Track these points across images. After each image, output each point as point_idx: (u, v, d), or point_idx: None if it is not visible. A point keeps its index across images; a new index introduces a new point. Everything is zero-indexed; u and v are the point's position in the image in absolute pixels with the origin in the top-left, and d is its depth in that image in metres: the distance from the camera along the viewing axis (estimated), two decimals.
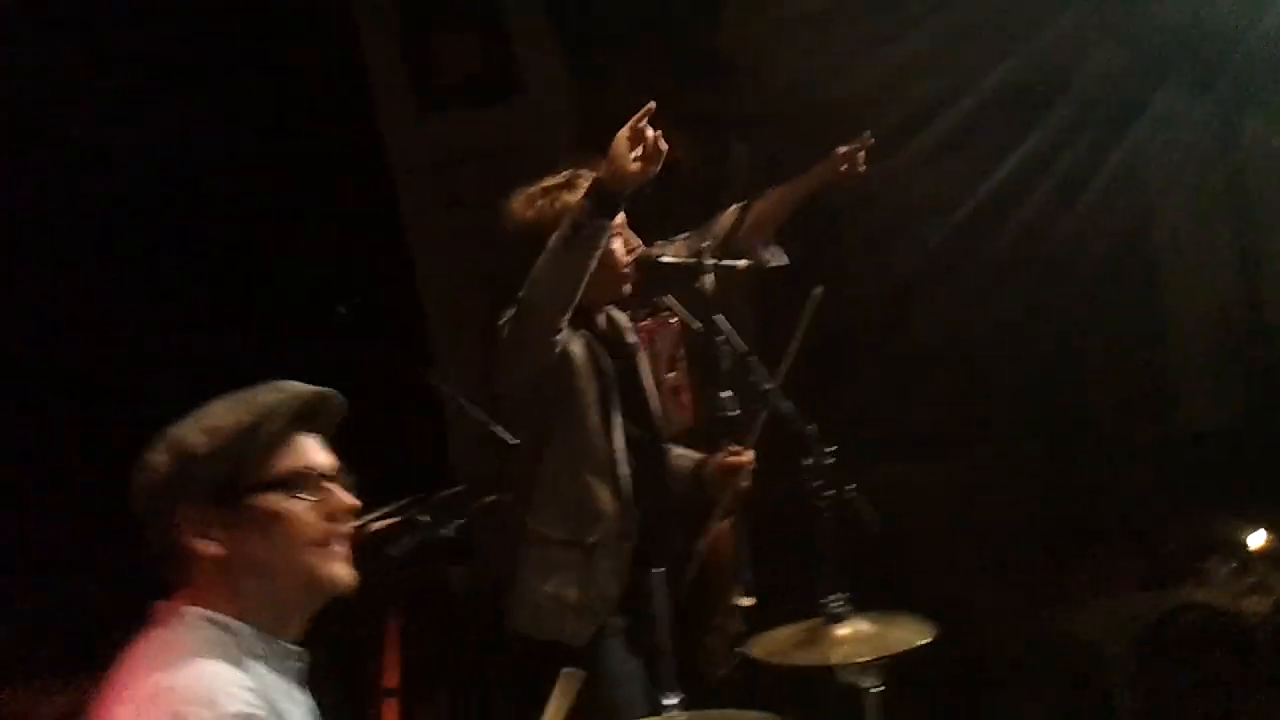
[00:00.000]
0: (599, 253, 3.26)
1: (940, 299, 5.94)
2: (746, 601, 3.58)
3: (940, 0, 5.42)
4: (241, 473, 2.00)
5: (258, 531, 2.01)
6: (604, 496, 3.49)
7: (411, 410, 5.12)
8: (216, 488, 1.99)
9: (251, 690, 1.91)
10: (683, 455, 3.74)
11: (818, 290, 3.53)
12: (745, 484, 3.56)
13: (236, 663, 1.95)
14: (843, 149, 3.95)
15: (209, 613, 1.98)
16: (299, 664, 2.08)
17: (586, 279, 3.26)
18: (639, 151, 3.16)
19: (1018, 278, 5.72)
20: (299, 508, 2.03)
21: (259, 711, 1.89)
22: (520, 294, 3.31)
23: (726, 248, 3.64)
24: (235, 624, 1.99)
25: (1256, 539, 5.05)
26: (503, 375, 3.50)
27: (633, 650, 3.48)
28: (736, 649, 3.55)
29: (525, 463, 3.55)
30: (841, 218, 5.71)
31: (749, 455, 3.56)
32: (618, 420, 3.52)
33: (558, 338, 3.34)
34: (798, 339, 3.54)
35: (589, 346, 3.50)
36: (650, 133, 3.17)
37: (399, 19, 5.85)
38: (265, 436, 2.02)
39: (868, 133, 3.96)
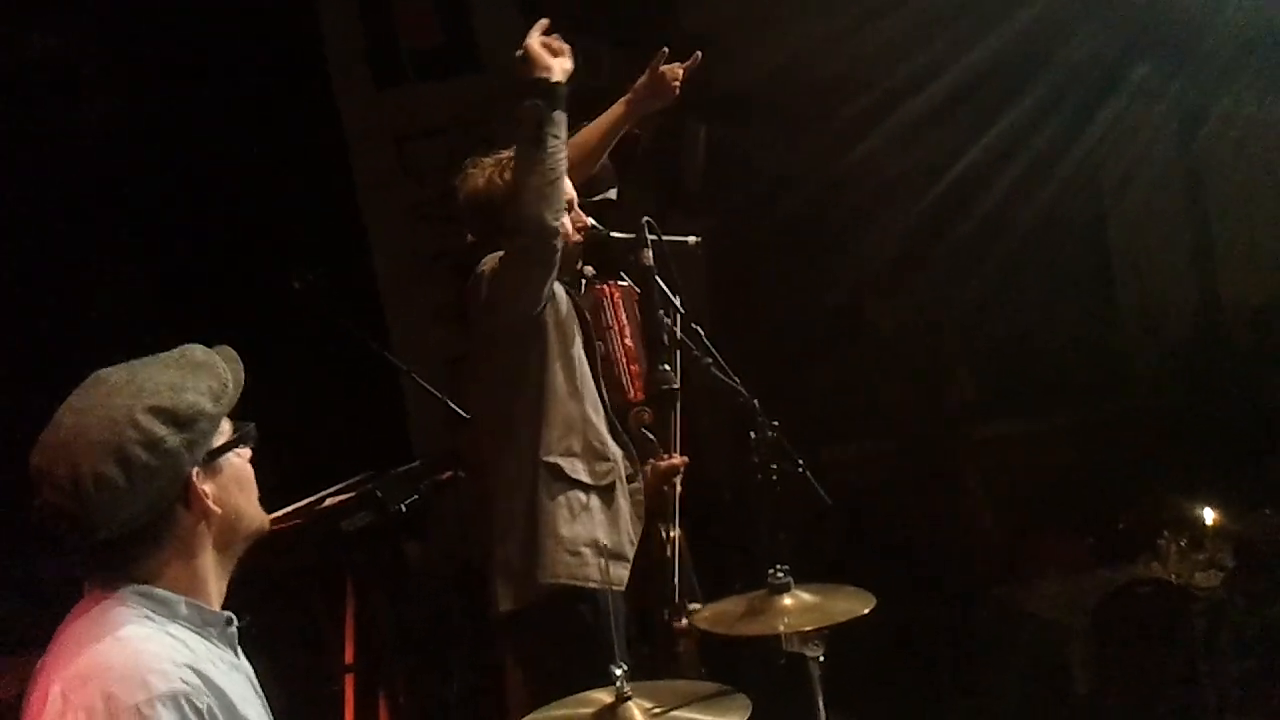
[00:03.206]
0: (565, 148, 3.30)
1: (901, 283, 5.97)
2: (695, 607, 3.54)
3: None
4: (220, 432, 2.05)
5: (235, 487, 2.07)
6: (605, 435, 3.49)
7: (366, 384, 5.10)
8: (211, 449, 2.02)
9: (186, 665, 1.90)
10: None
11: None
12: (679, 488, 3.58)
13: (171, 636, 1.95)
14: (660, 68, 3.81)
15: (145, 587, 1.97)
16: (231, 628, 2.08)
17: (565, 177, 3.30)
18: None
19: (975, 263, 5.75)
20: (244, 460, 2.11)
21: (191, 690, 1.88)
22: (511, 215, 3.29)
23: None
24: (171, 596, 1.98)
25: (1208, 516, 5.11)
26: (509, 301, 3.40)
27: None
28: (698, 654, 3.56)
29: (524, 408, 3.46)
30: (805, 199, 5.74)
31: (680, 458, 3.59)
32: (595, 369, 3.53)
33: (562, 233, 3.32)
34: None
35: (566, 292, 3.50)
36: (549, 38, 3.33)
37: None
38: (235, 394, 2.07)
39: (659, 50, 3.82)
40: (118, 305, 5.02)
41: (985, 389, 6.11)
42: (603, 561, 3.40)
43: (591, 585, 3.39)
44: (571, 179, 3.75)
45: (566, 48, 3.34)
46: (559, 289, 3.46)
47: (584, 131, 3.88)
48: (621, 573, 3.43)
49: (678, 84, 3.81)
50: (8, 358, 4.53)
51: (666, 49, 3.77)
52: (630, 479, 3.51)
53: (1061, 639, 4.91)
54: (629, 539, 3.47)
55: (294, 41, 5.65)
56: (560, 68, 3.30)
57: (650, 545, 3.57)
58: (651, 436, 3.57)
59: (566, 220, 3.36)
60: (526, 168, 3.26)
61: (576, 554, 3.40)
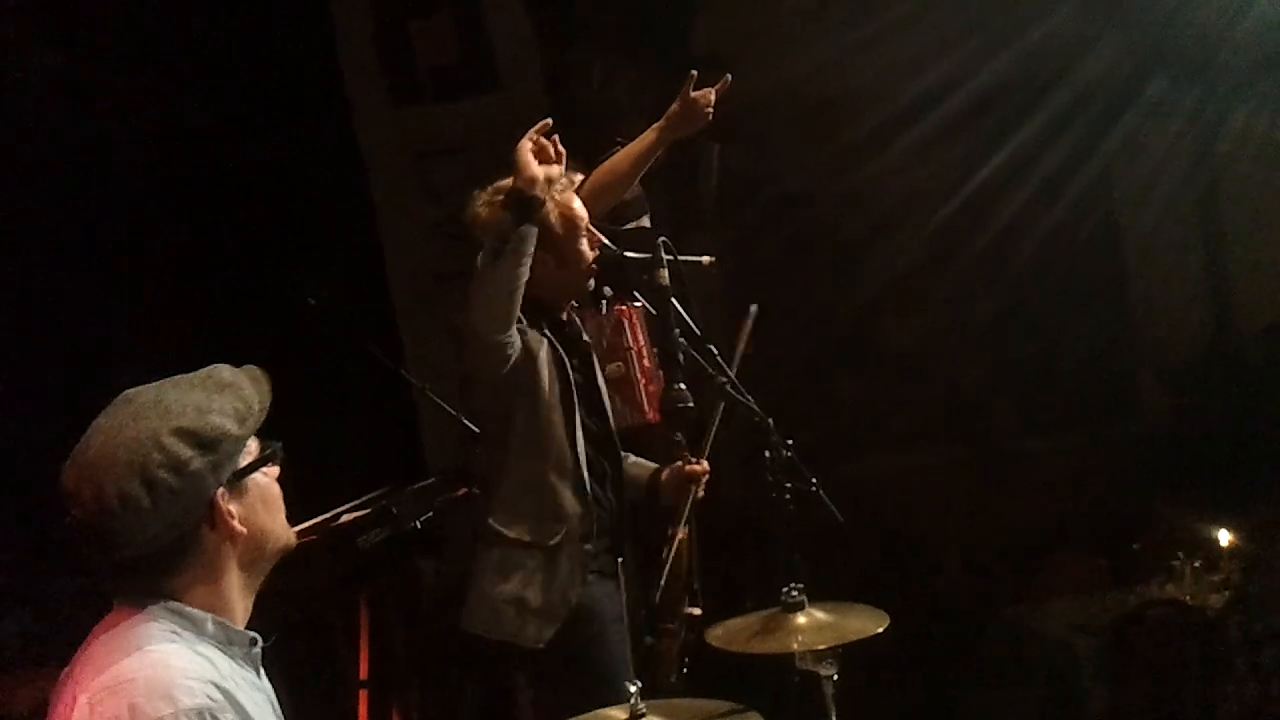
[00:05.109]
0: (529, 259, 3.26)
1: (913, 300, 5.97)
2: (694, 611, 3.57)
3: (917, 2, 5.46)
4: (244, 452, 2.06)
5: (261, 507, 2.08)
6: (567, 498, 3.49)
7: (381, 401, 5.12)
8: (235, 470, 2.03)
9: (211, 683, 1.92)
10: (638, 464, 3.74)
11: (754, 307, 3.57)
12: (700, 493, 3.58)
13: (198, 653, 1.97)
14: (691, 94, 3.79)
15: (173, 604, 1.99)
16: (255, 648, 2.10)
17: (521, 288, 3.26)
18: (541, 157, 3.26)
19: (989, 280, 5.75)
20: (270, 479, 2.12)
21: (216, 706, 1.89)
22: (460, 318, 3.33)
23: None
24: (198, 614, 2.00)
25: (1222, 537, 5.09)
26: (468, 379, 3.53)
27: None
28: (685, 657, 3.56)
29: (491, 461, 3.55)
30: (819, 216, 5.75)
31: (704, 465, 3.59)
32: (579, 420, 3.52)
33: (510, 342, 3.34)
34: (738, 355, 3.60)
35: (551, 345, 3.51)
36: (546, 141, 3.27)
37: (373, 11, 5.83)
38: (261, 415, 2.08)
39: (688, 73, 3.82)
40: (134, 322, 5.04)
41: (999, 407, 6.10)
42: (523, 620, 3.45)
43: (502, 640, 3.46)
44: (602, 204, 3.77)
45: (562, 153, 3.30)
46: (540, 346, 3.46)
47: (616, 158, 3.90)
48: (545, 632, 3.45)
49: (710, 109, 3.80)
50: (30, 374, 4.56)
51: (695, 72, 3.76)
52: (585, 537, 3.51)
53: (1075, 660, 4.89)
54: (562, 598, 3.47)
55: (311, 59, 5.68)
56: (544, 176, 3.24)
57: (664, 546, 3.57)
58: (680, 439, 3.56)
59: (509, 332, 3.32)
60: (479, 278, 3.27)
61: (495, 610, 3.47)
